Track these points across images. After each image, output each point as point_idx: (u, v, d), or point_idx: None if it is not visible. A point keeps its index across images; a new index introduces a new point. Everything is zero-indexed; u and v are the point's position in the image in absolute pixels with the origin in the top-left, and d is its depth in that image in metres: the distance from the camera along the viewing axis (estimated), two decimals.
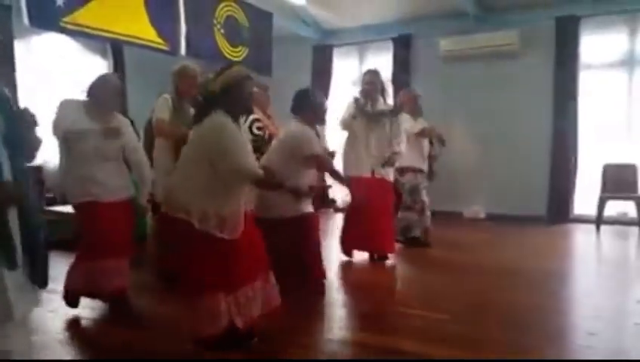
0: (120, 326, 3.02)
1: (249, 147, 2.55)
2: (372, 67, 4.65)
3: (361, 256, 4.71)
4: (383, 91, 4.56)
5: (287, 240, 3.25)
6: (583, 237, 6.11)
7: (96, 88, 3.09)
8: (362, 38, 8.15)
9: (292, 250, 3.29)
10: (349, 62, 8.24)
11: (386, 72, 7.80)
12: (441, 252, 5.03)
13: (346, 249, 4.68)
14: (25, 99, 4.91)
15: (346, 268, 4.51)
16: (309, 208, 3.50)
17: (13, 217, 1.85)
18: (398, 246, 4.91)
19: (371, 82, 4.45)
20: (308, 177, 3.48)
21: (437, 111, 7.25)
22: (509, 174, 7.09)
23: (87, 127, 3.01)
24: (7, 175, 1.83)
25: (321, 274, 3.60)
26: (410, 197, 5.19)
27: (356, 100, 4.42)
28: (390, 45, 7.85)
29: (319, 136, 3.57)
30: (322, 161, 3.51)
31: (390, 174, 4.62)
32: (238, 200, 2.48)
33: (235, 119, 2.48)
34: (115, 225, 3.11)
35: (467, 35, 7.16)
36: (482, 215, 7.26)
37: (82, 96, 3.12)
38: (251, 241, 2.54)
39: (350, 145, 4.43)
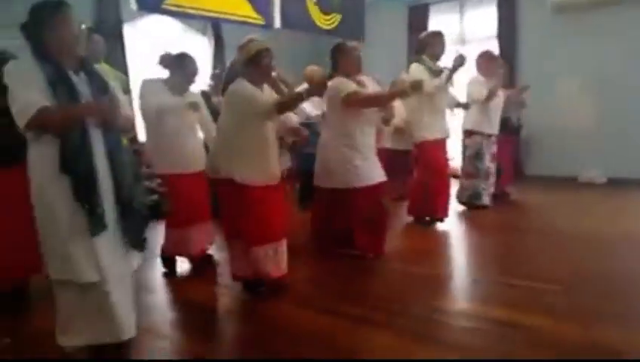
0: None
1: (262, 96, 2.79)
2: (436, 29, 4.54)
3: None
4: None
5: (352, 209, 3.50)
6: None
7: (188, 63, 3.31)
8: None
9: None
10: (447, 20, 7.74)
11: (490, 27, 7.32)
12: (548, 219, 4.68)
13: (432, 213, 4.53)
14: (135, 81, 5.25)
15: (431, 236, 4.35)
16: (371, 179, 3.47)
17: (108, 185, 1.97)
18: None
19: (442, 43, 4.35)
20: (365, 126, 3.49)
21: (547, 68, 6.72)
22: (633, 134, 6.33)
23: (174, 102, 3.21)
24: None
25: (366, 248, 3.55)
26: (472, 163, 5.04)
27: (421, 61, 4.29)
28: None
29: (363, 85, 3.54)
30: (363, 99, 3.42)
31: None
32: (267, 148, 2.81)
33: (256, 85, 2.77)
34: (199, 194, 3.35)
35: None
36: (603, 179, 6.56)
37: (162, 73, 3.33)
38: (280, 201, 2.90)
39: (426, 107, 4.28)
